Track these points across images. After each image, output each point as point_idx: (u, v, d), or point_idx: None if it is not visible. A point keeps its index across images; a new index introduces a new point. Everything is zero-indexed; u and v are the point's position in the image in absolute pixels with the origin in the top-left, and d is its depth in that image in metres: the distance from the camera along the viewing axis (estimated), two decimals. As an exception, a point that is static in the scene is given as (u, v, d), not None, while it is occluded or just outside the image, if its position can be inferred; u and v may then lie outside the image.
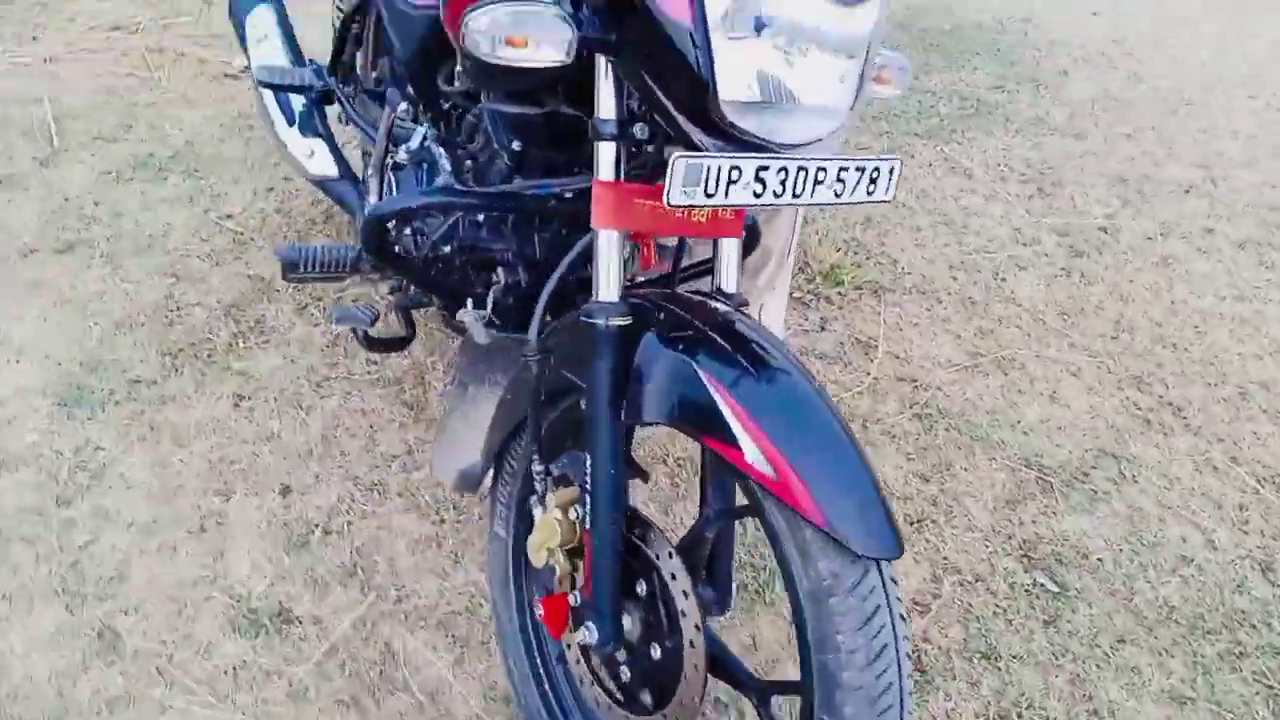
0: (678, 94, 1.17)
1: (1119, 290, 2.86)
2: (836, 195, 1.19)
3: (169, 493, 2.02)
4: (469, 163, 1.74)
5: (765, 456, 1.10)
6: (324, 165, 2.27)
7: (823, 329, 2.58)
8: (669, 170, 1.08)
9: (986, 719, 1.81)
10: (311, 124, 2.35)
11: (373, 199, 1.85)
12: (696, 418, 1.16)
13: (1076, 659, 1.92)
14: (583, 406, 1.30)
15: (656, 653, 1.33)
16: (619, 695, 1.42)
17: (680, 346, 1.20)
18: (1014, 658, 1.91)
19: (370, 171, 1.87)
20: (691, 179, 1.09)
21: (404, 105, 1.77)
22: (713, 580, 1.41)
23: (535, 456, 1.39)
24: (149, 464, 2.07)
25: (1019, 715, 1.82)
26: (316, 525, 1.99)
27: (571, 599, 1.38)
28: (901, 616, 1.13)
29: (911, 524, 2.13)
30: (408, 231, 1.76)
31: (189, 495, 2.02)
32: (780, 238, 2.17)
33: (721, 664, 1.35)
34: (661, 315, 1.25)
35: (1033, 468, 2.29)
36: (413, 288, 1.84)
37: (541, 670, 1.64)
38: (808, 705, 1.15)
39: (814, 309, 2.63)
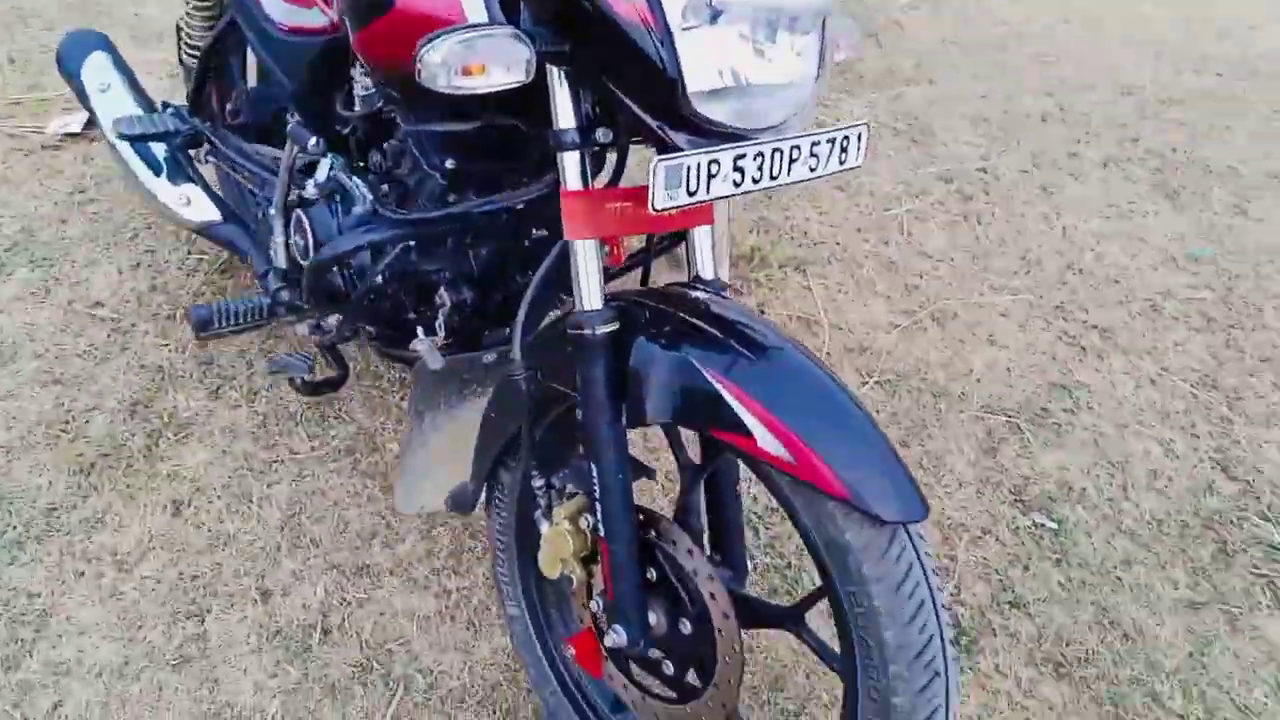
0: (643, 93, 1.16)
1: (1015, 225, 2.95)
2: (811, 170, 1.19)
3: (131, 627, 1.80)
4: (387, 188, 1.66)
5: (779, 439, 1.10)
6: (204, 211, 2.11)
7: (762, 313, 2.55)
8: (650, 176, 1.08)
9: (1035, 665, 1.83)
10: (181, 170, 2.19)
11: (278, 239, 1.77)
12: (702, 413, 1.16)
13: (1093, 589, 1.97)
14: (576, 414, 1.29)
15: (687, 629, 1.32)
16: (656, 690, 1.42)
17: (674, 344, 1.20)
18: (1040, 601, 1.94)
19: (273, 210, 1.78)
20: (673, 181, 1.09)
21: (313, 140, 1.65)
22: (726, 556, 1.41)
23: (534, 472, 1.37)
24: (97, 600, 1.84)
25: (1063, 655, 1.85)
26: (312, 626, 1.81)
27: (593, 606, 1.38)
28: (934, 572, 1.15)
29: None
30: (338, 268, 1.68)
31: (156, 625, 1.80)
32: (718, 222, 2.12)
33: (752, 613, 1.35)
34: (648, 315, 1.25)
35: (996, 413, 2.34)
36: (334, 325, 1.78)
37: (564, 670, 1.62)
38: (851, 673, 1.17)
39: (748, 294, 2.60)
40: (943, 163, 3.20)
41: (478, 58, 1.15)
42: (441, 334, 1.62)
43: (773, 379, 1.14)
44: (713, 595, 1.29)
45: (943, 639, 1.14)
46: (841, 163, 1.21)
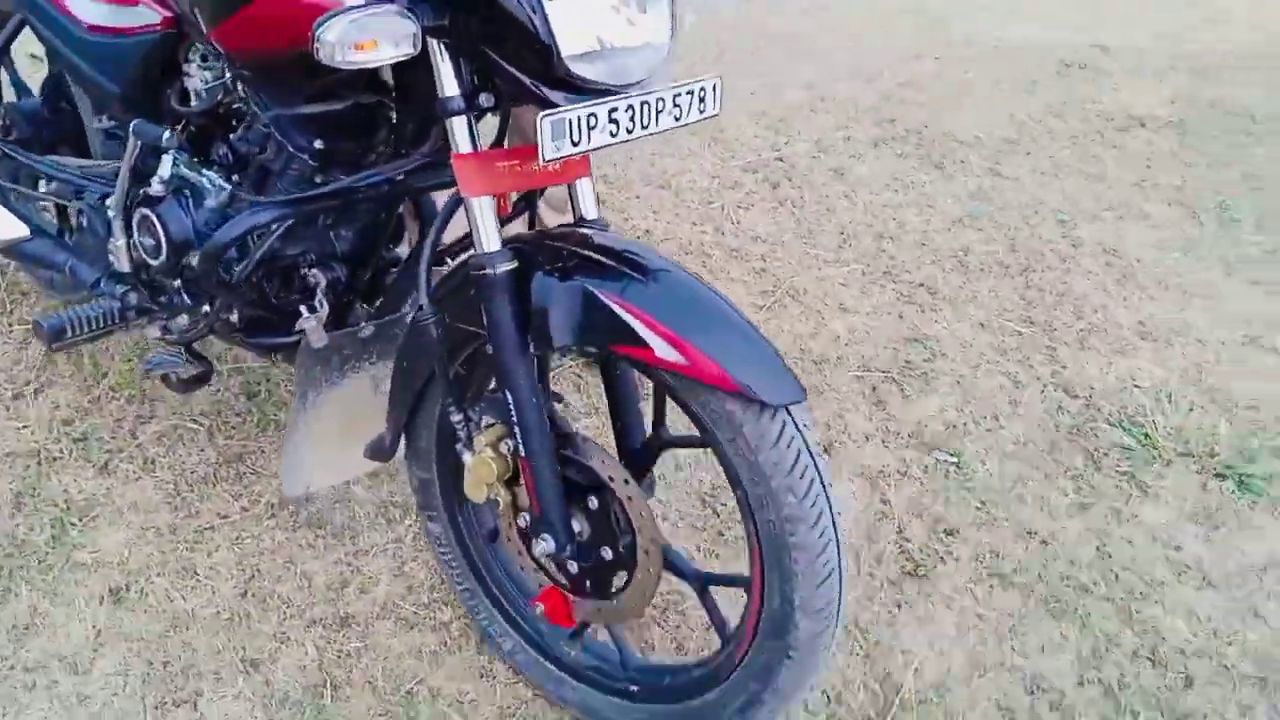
0: (521, 59, 1.28)
1: (823, 205, 3.22)
2: (676, 119, 1.34)
3: (110, 730, 1.62)
4: (238, 177, 1.69)
5: (674, 347, 1.25)
6: (10, 229, 2.01)
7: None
8: (538, 130, 1.21)
9: (982, 581, 2.05)
10: None
11: (119, 242, 1.77)
12: (602, 332, 1.31)
13: (1003, 507, 2.22)
14: (487, 350, 1.41)
15: (609, 553, 1.47)
16: (583, 590, 1.54)
17: (569, 275, 1.33)
18: (967, 525, 2.17)
19: (111, 213, 1.76)
20: (558, 133, 1.23)
21: (166, 133, 1.66)
22: (637, 473, 1.53)
23: (452, 407, 1.47)
24: (60, 711, 1.64)
25: (1001, 569, 2.08)
26: (318, 685, 1.71)
27: (520, 522, 1.51)
28: (819, 454, 1.32)
29: (825, 452, 2.30)
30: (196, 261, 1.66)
31: (139, 721, 1.63)
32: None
33: (670, 560, 1.51)
34: (543, 252, 1.38)
35: (872, 371, 2.56)
36: (185, 324, 1.82)
37: (489, 579, 1.75)
38: (756, 546, 1.36)
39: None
40: (742, 155, 3.43)
41: (369, 34, 1.26)
42: (325, 310, 1.67)
43: (662, 296, 1.29)
44: (630, 498, 1.43)
45: (831, 512, 1.32)
46: (701, 111, 1.37)
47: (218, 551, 1.91)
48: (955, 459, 2.33)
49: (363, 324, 1.76)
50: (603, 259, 1.34)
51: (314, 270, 1.71)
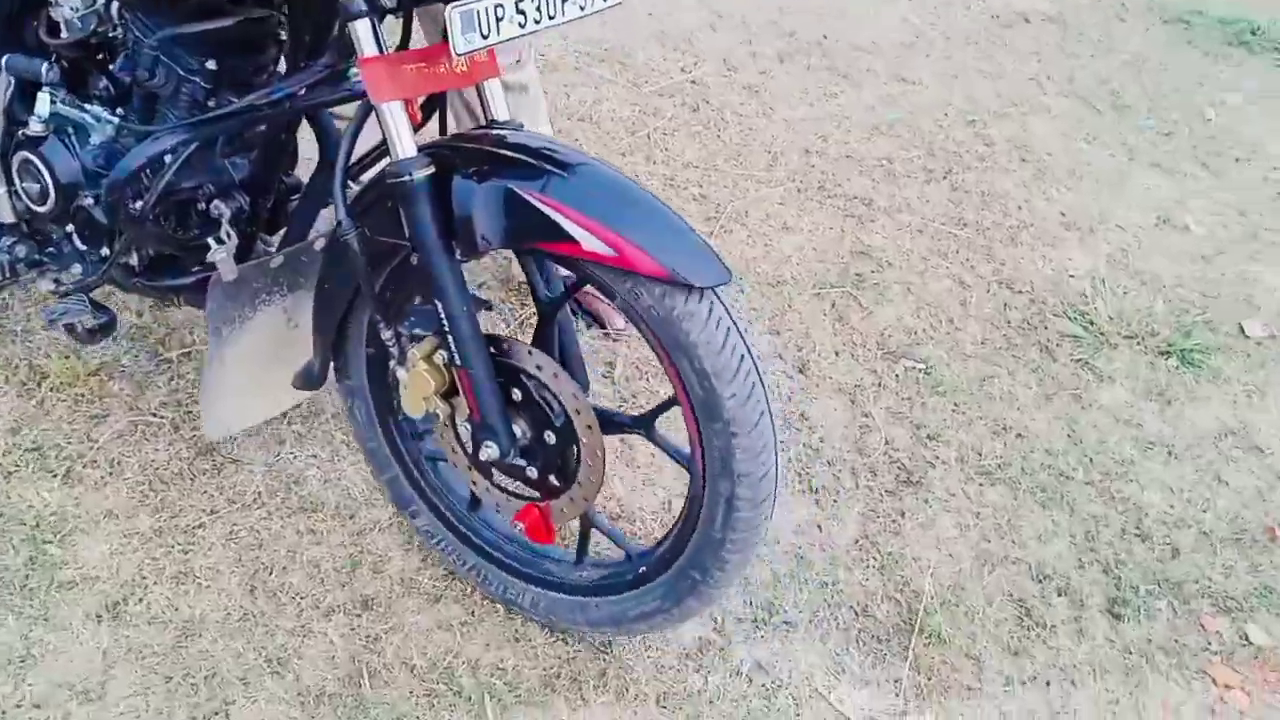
0: None
1: (744, 125, 3.20)
2: (582, 9, 1.35)
3: (142, 750, 1.54)
4: (123, 109, 1.62)
5: (600, 239, 1.27)
6: None
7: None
8: (447, 23, 1.21)
9: (972, 481, 2.12)
10: None
11: (0, 190, 1.72)
12: (528, 230, 1.32)
13: (975, 406, 2.30)
14: (411, 261, 1.42)
15: (552, 439, 1.49)
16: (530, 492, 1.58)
17: (490, 175, 1.33)
18: (945, 428, 2.23)
19: None
20: (468, 25, 1.23)
21: (45, 66, 1.60)
22: (569, 369, 1.55)
23: (381, 324, 1.46)
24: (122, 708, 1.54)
25: (985, 466, 2.15)
26: (353, 675, 1.66)
27: (462, 432, 1.53)
28: (746, 332, 1.36)
29: (801, 372, 2.33)
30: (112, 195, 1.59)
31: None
32: (530, 74, 2.23)
33: (608, 422, 1.53)
34: (461, 155, 1.37)
35: (826, 287, 2.59)
36: (78, 275, 1.77)
37: (432, 495, 1.77)
38: (697, 428, 1.39)
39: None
40: (655, 81, 3.37)
41: None
42: (234, 241, 1.63)
43: (584, 190, 1.30)
44: (575, 397, 1.45)
45: (763, 384, 1.37)
46: (606, 1, 1.38)
47: (213, 550, 1.81)
48: (923, 365, 2.38)
49: (272, 253, 1.71)
50: (522, 157, 1.34)
51: (215, 201, 1.64)
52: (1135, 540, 2.02)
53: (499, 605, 1.77)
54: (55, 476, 1.90)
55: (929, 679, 1.75)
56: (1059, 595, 1.91)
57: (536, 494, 1.56)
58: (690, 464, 1.46)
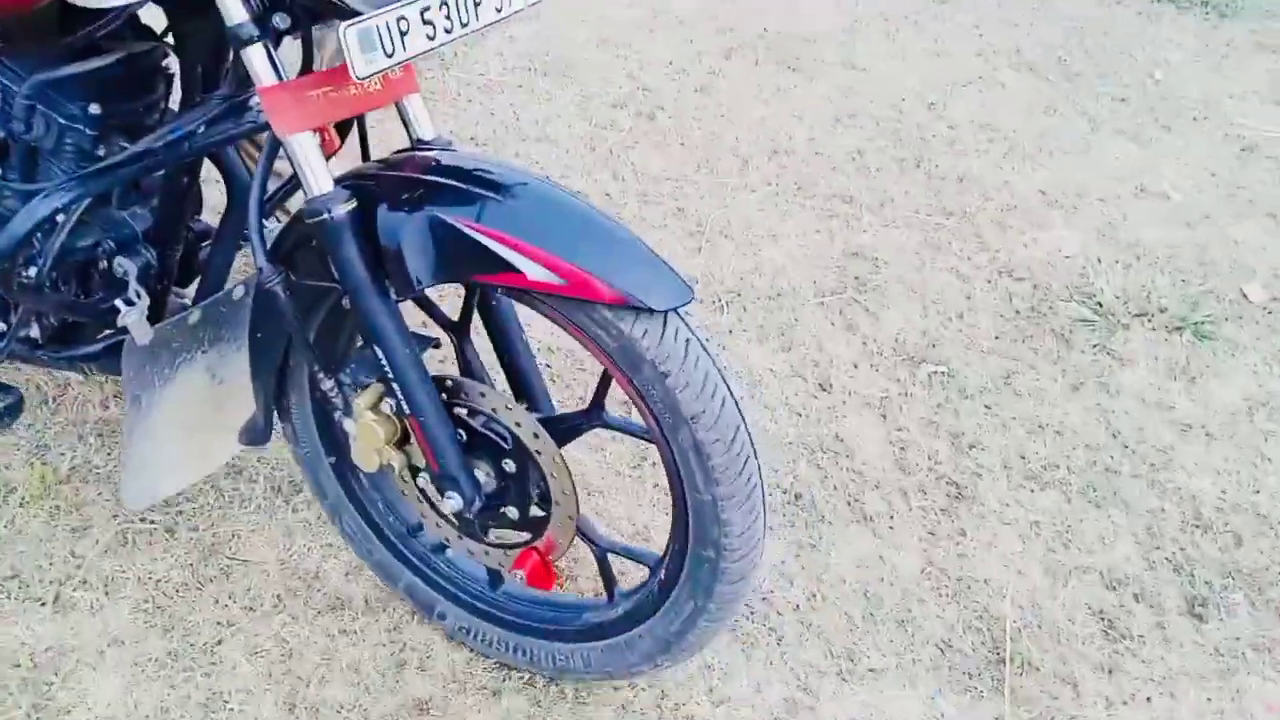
0: None
1: (706, 130, 3.08)
2: (499, 11, 1.24)
3: None
4: (3, 165, 1.50)
5: (545, 267, 1.16)
6: None
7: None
8: (343, 45, 1.10)
9: (1020, 487, 2.03)
10: None
11: None
12: (464, 263, 1.21)
13: (1004, 406, 2.22)
14: (344, 304, 1.30)
15: (511, 466, 1.39)
16: (502, 539, 1.50)
17: (418, 205, 1.21)
18: (981, 432, 2.14)
19: None
20: (368, 44, 1.11)
21: None
22: (528, 394, 1.52)
23: (321, 375, 1.36)
24: None
25: (1030, 470, 2.07)
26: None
27: (420, 483, 1.44)
28: (709, 347, 1.25)
29: (823, 389, 2.22)
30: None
31: None
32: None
33: (559, 430, 1.40)
34: (383, 184, 1.26)
35: (829, 294, 2.48)
36: None
37: (452, 588, 1.65)
38: (668, 448, 1.28)
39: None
40: (604, 91, 3.22)
41: None
42: (145, 300, 1.49)
43: (523, 213, 1.19)
44: (519, 424, 1.35)
45: (735, 399, 1.26)
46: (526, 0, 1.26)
47: (238, 668, 1.62)
48: (944, 368, 2.30)
49: (188, 308, 1.57)
50: (450, 181, 1.23)
51: (119, 259, 1.52)
52: (1197, 532, 1.96)
53: (563, 688, 1.62)
54: (44, 605, 1.69)
55: (1030, 712, 1.65)
56: (1136, 601, 1.84)
57: (526, 537, 1.46)
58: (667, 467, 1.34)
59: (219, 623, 1.69)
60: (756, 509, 1.31)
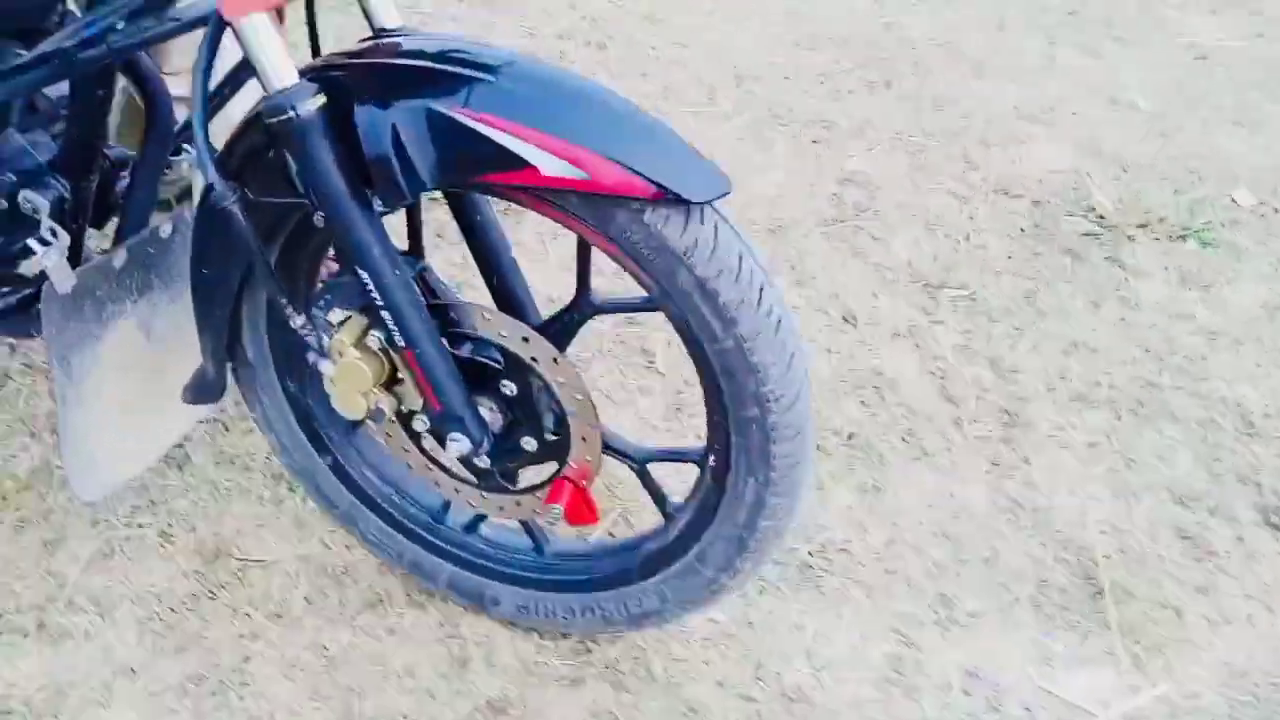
0: None
1: (661, 58, 2.91)
2: None
3: None
4: None
5: (565, 159, 1.00)
6: None
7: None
8: None
9: (1068, 411, 1.94)
10: None
11: None
12: (469, 161, 1.03)
13: (1035, 330, 2.12)
14: (315, 221, 1.14)
15: (512, 389, 1.24)
16: (518, 482, 1.36)
17: (399, 94, 1.03)
18: (1019, 356, 2.04)
19: None
20: None
21: None
22: (514, 302, 1.35)
23: (290, 310, 1.16)
24: None
25: (1073, 391, 1.99)
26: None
27: (419, 426, 1.28)
28: (738, 232, 1.12)
29: (848, 322, 2.09)
30: None
31: None
32: None
33: (561, 329, 1.26)
34: (354, 75, 1.07)
35: (830, 224, 2.35)
36: None
37: (500, 567, 1.46)
38: (673, 305, 1.13)
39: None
40: (547, 21, 3.01)
41: None
42: (64, 238, 1.29)
43: (524, 96, 1.02)
44: (506, 335, 1.20)
45: (768, 284, 1.12)
46: None
47: (278, 687, 1.40)
48: (966, 291, 2.19)
49: (109, 250, 1.35)
50: (434, 65, 1.04)
51: (25, 193, 1.31)
52: (1251, 440, 1.91)
53: (651, 668, 1.45)
54: (25, 636, 1.43)
55: (1138, 642, 1.56)
56: (1211, 515, 1.77)
57: (554, 468, 1.30)
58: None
59: (242, 636, 1.46)
60: (788, 342, 1.13)
